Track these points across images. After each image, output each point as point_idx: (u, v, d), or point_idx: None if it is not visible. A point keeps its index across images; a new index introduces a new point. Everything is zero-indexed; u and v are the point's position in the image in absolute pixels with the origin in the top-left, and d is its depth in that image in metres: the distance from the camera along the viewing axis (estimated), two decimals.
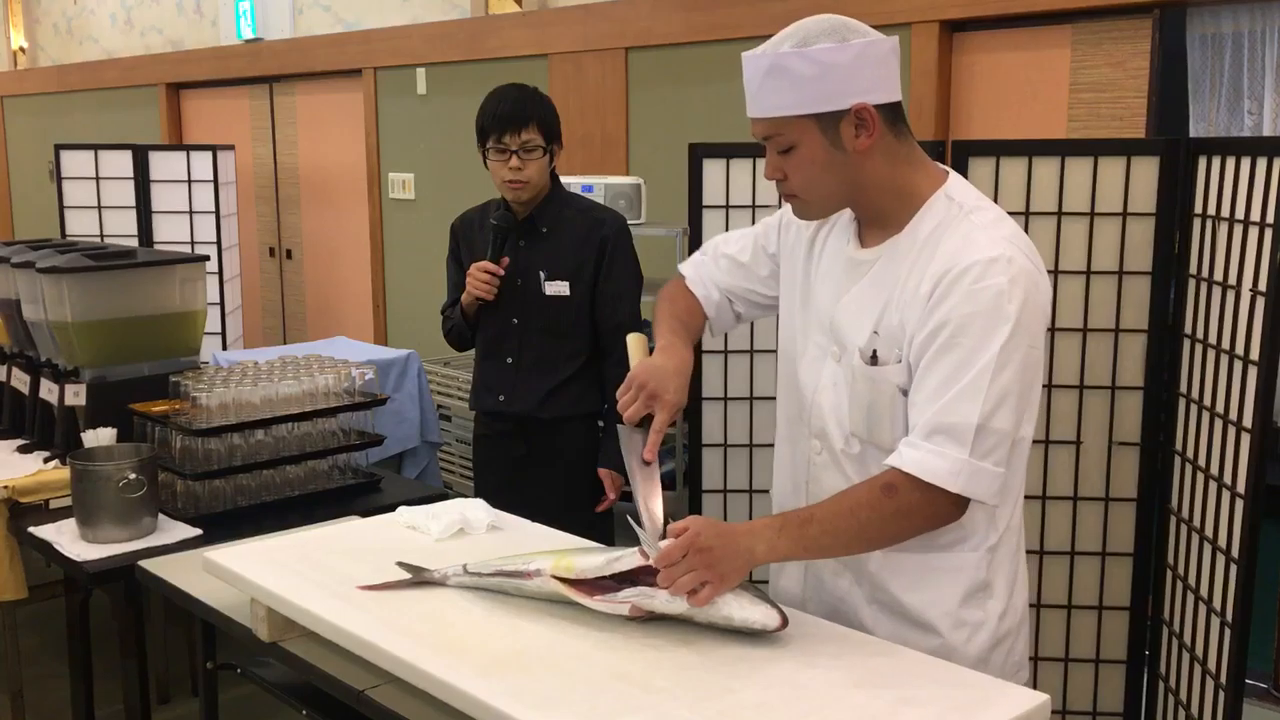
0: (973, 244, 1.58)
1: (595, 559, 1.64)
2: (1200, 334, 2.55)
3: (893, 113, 1.62)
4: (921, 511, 1.57)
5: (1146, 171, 2.69)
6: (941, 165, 1.72)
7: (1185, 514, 2.61)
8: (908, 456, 1.56)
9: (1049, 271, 2.72)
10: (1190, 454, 2.59)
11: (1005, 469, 1.58)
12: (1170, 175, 2.66)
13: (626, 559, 1.60)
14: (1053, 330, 2.77)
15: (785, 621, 1.56)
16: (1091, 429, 2.79)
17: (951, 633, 1.68)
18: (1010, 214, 2.72)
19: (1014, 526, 1.74)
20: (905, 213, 1.66)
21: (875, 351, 1.66)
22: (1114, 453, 2.77)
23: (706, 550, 1.54)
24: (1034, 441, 2.79)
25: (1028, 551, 2.79)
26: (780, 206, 2.93)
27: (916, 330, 1.60)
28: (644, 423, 1.74)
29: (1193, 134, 3.50)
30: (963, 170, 2.78)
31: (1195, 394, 2.57)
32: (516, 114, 2.75)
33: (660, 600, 1.57)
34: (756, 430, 3.00)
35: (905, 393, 1.63)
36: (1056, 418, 2.80)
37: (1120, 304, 2.73)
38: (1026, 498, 2.81)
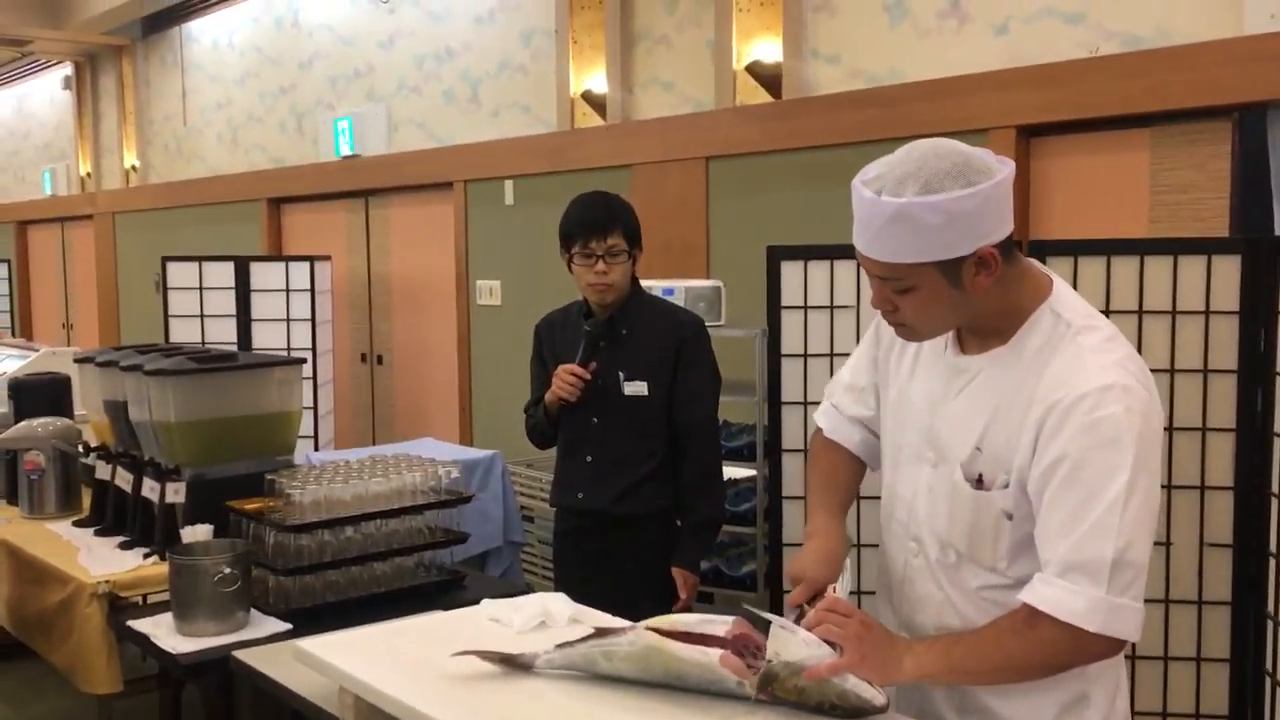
0: (1084, 370, 1.56)
1: (688, 619, 1.67)
2: None
3: (1008, 242, 1.60)
4: (1066, 648, 1.54)
5: (1229, 270, 2.68)
6: (1048, 272, 1.69)
7: None
8: (1043, 594, 1.53)
9: None
10: None
11: (1142, 603, 1.54)
12: (1253, 273, 2.64)
13: (719, 624, 1.62)
14: None
15: (888, 703, 1.57)
16: (1181, 530, 2.73)
17: None
18: None
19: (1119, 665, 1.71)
20: (1012, 324, 1.64)
21: (980, 475, 1.64)
22: (1205, 554, 2.71)
23: (867, 627, 1.57)
24: None
25: None
26: (858, 307, 2.97)
27: (1030, 460, 1.58)
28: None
29: (1278, 234, 3.47)
30: None
31: None
32: (602, 220, 2.85)
33: (776, 664, 1.56)
34: None
35: (1010, 516, 1.62)
36: None
37: (1206, 403, 2.70)
38: None
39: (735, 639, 1.63)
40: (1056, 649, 1.54)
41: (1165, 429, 2.70)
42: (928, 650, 1.59)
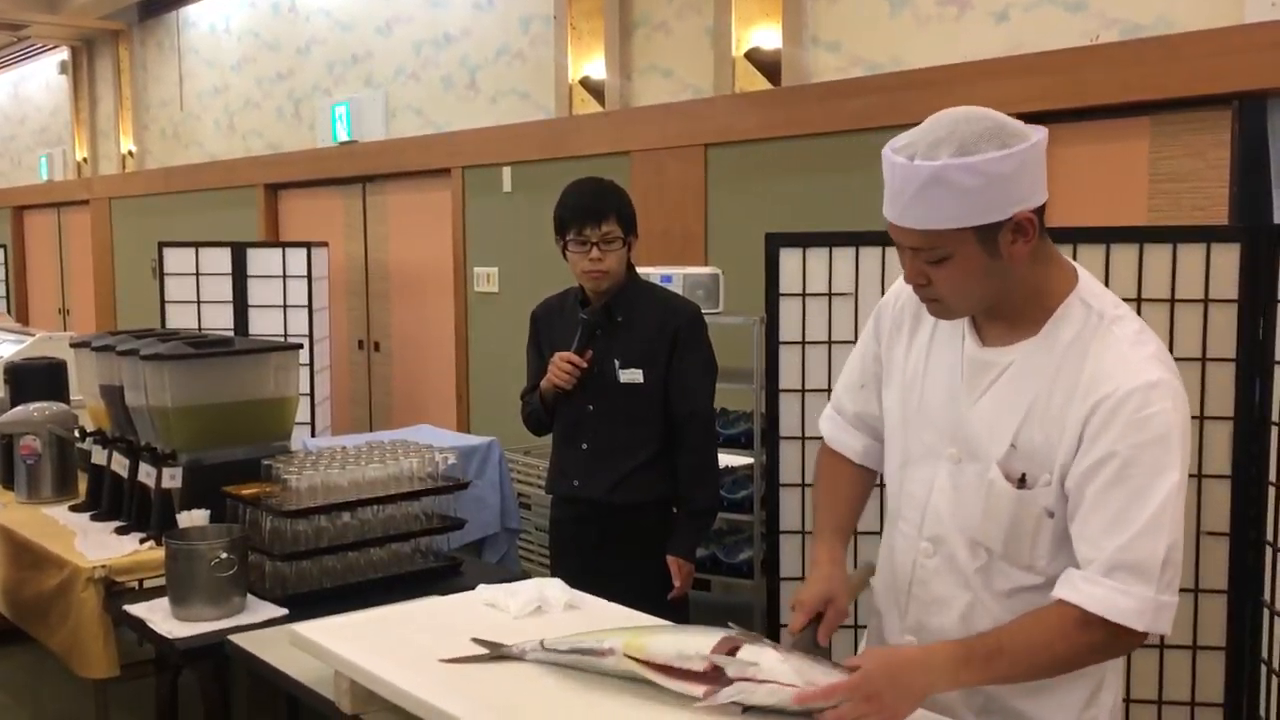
0: (1127, 365, 1.54)
1: (666, 642, 1.65)
2: None
3: (1042, 211, 1.57)
4: (1110, 647, 1.56)
5: (1228, 258, 2.67)
6: (1071, 261, 1.67)
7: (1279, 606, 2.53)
8: (1091, 594, 1.51)
9: None
10: None
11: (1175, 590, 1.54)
12: (1252, 262, 2.64)
13: (695, 660, 1.60)
14: None
15: None
16: None
17: None
18: None
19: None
20: (1038, 313, 1.61)
21: (1024, 474, 1.60)
22: (1203, 543, 2.71)
23: (875, 697, 1.48)
24: None
25: None
26: (856, 295, 2.97)
27: (1073, 456, 1.55)
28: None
29: (1277, 222, 3.47)
30: None
31: None
32: (596, 207, 2.84)
33: (760, 695, 1.54)
34: None
35: (1051, 514, 1.60)
36: None
37: (1205, 391, 2.70)
38: None
39: (710, 671, 1.60)
40: (1101, 648, 1.54)
41: None
42: (964, 667, 1.52)
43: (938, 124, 1.53)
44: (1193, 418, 2.71)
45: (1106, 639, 1.52)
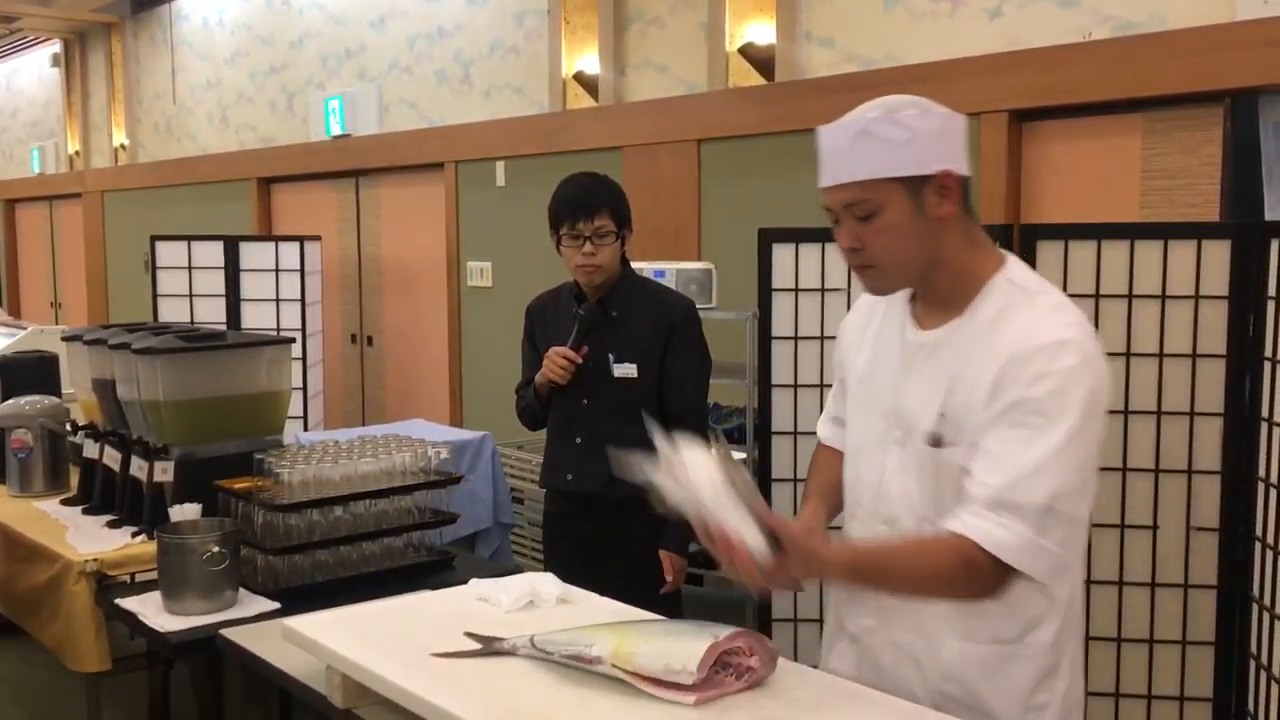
0: (1041, 327, 1.60)
1: (655, 653, 1.64)
2: (1279, 418, 2.52)
3: (966, 188, 1.67)
4: (985, 581, 1.58)
5: (1219, 255, 2.69)
6: (1001, 249, 1.74)
7: (1268, 602, 2.55)
8: (972, 525, 1.57)
9: (1120, 354, 2.73)
10: (1272, 540, 2.53)
11: (1063, 550, 1.58)
12: (1243, 259, 2.65)
13: (684, 675, 1.60)
14: (1126, 413, 2.76)
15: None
16: (1168, 514, 2.75)
17: (1021, 718, 1.67)
18: (1079, 297, 2.75)
19: (1076, 607, 1.73)
20: (967, 294, 1.68)
21: (941, 436, 1.66)
22: (1192, 538, 2.73)
23: (781, 566, 1.57)
24: (1111, 526, 2.78)
25: (1105, 639, 2.75)
26: (848, 290, 2.97)
27: (983, 410, 1.60)
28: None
29: (1268, 219, 3.48)
30: (1031, 253, 2.80)
31: (1275, 478, 2.53)
32: (589, 201, 2.84)
33: (679, 497, 1.58)
34: None
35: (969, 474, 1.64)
36: (1132, 502, 2.76)
37: (1195, 387, 2.71)
38: (1102, 583, 2.78)
39: (702, 683, 1.61)
40: (979, 580, 1.58)
41: (1153, 413, 2.73)
42: (854, 574, 1.65)
43: (871, 103, 1.68)
44: (1183, 414, 2.72)
45: (983, 572, 1.56)
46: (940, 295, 1.70)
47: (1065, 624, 1.69)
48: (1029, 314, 1.62)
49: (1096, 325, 2.77)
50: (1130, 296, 2.75)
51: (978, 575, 1.57)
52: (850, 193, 1.63)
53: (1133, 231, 2.82)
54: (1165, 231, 2.77)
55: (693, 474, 1.59)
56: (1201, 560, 2.73)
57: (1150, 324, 2.74)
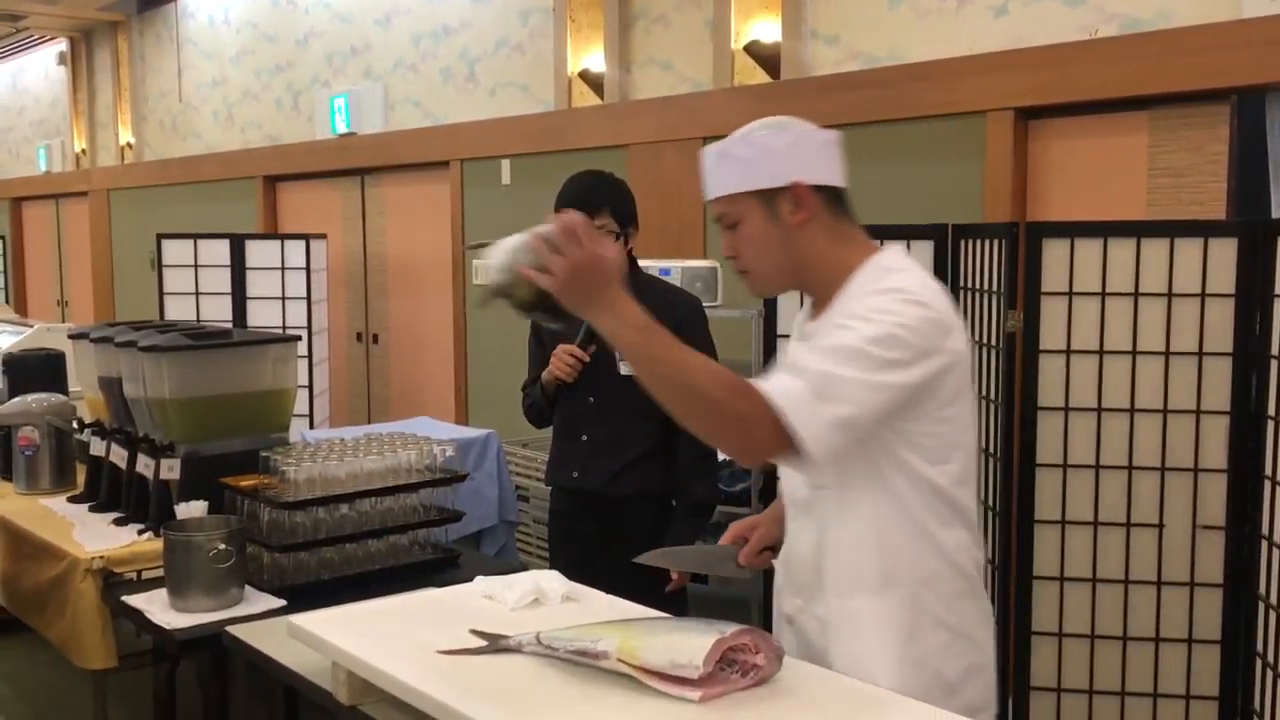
0: (880, 282, 1.71)
1: (660, 649, 1.64)
2: None
3: (833, 195, 1.78)
4: (756, 421, 1.61)
5: (1225, 253, 2.68)
6: (880, 243, 1.83)
7: (1275, 600, 2.54)
8: (764, 381, 1.65)
9: (1126, 352, 2.73)
10: (1278, 539, 2.53)
11: (842, 435, 1.61)
12: (1250, 256, 2.64)
13: (689, 669, 1.60)
14: (1133, 411, 2.76)
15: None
16: (1175, 512, 2.74)
17: (898, 672, 1.71)
18: (1085, 295, 2.74)
19: (953, 562, 1.75)
20: (839, 286, 1.77)
21: None
22: (1198, 536, 2.72)
23: (584, 266, 1.65)
24: (1117, 525, 2.78)
25: (1112, 638, 2.74)
26: None
27: None
28: None
29: (1275, 217, 3.47)
30: (1037, 251, 2.80)
31: None
32: (590, 201, 2.83)
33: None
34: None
35: None
36: (1139, 500, 2.76)
37: (1201, 385, 2.71)
38: (1108, 581, 2.77)
39: (708, 680, 1.61)
40: (745, 410, 1.61)
41: (1159, 411, 2.72)
42: (640, 333, 1.69)
43: (745, 126, 1.82)
44: (1189, 412, 2.72)
45: (759, 411, 1.60)
46: (818, 290, 1.82)
47: (935, 578, 1.73)
48: (877, 277, 1.72)
49: (1102, 323, 2.77)
50: (1136, 294, 2.74)
51: (755, 413, 1.61)
52: (717, 207, 1.81)
53: (1139, 229, 2.81)
54: (1171, 229, 2.77)
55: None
56: (1208, 559, 2.72)
57: (1156, 322, 2.73)
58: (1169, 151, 3.61)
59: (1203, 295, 2.69)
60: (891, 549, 1.72)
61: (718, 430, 1.68)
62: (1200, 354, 2.70)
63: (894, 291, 1.67)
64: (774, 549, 1.98)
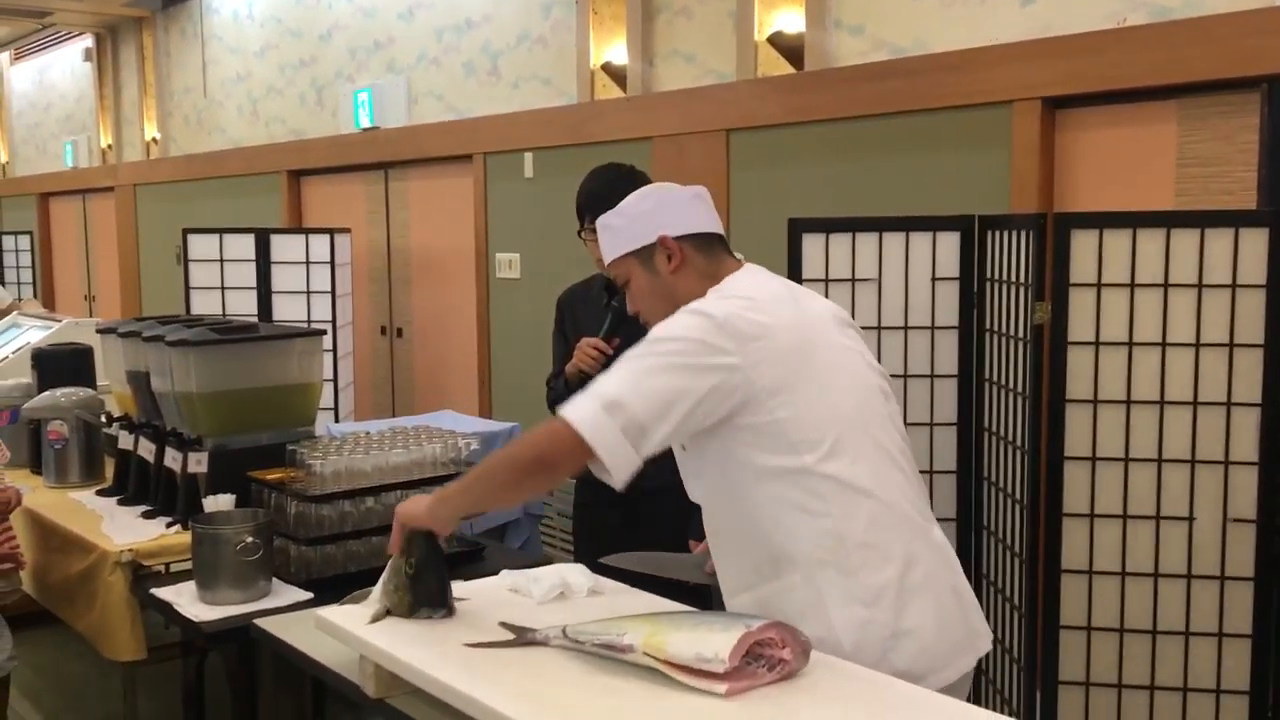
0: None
1: (686, 642, 1.64)
2: None
3: (703, 240, 2.01)
4: (561, 446, 1.76)
5: (1257, 243, 2.65)
6: (750, 265, 2.04)
7: None
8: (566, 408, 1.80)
9: (1156, 344, 2.70)
10: None
11: (637, 449, 1.75)
12: None
13: (715, 663, 1.60)
14: (1162, 403, 2.73)
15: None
16: (1205, 505, 2.72)
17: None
18: (1114, 286, 2.71)
19: (843, 535, 1.80)
20: None
21: None
22: (1229, 530, 2.69)
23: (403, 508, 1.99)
24: (1146, 518, 2.75)
25: (1141, 631, 2.72)
26: (879, 280, 2.95)
27: None
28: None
29: None
30: (1065, 243, 2.77)
31: None
32: (609, 194, 2.82)
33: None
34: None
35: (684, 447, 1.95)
36: (1168, 493, 2.74)
37: (1232, 377, 2.68)
38: (1137, 575, 2.75)
39: (734, 673, 1.61)
40: (555, 443, 1.78)
41: (1190, 404, 2.70)
42: (440, 500, 1.96)
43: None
44: (1219, 404, 2.69)
45: (562, 438, 1.76)
46: None
47: (825, 563, 1.79)
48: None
49: (1131, 315, 2.74)
50: (1166, 285, 2.71)
51: (558, 441, 1.76)
52: (611, 270, 2.08)
53: (1168, 220, 2.78)
54: (1202, 220, 2.74)
55: None
56: (1238, 552, 2.70)
57: (1187, 313, 2.71)
58: (1199, 141, 3.57)
59: (1233, 286, 2.66)
60: (773, 538, 1.83)
61: (533, 468, 1.83)
62: (1231, 345, 2.67)
63: (686, 311, 1.84)
64: None
